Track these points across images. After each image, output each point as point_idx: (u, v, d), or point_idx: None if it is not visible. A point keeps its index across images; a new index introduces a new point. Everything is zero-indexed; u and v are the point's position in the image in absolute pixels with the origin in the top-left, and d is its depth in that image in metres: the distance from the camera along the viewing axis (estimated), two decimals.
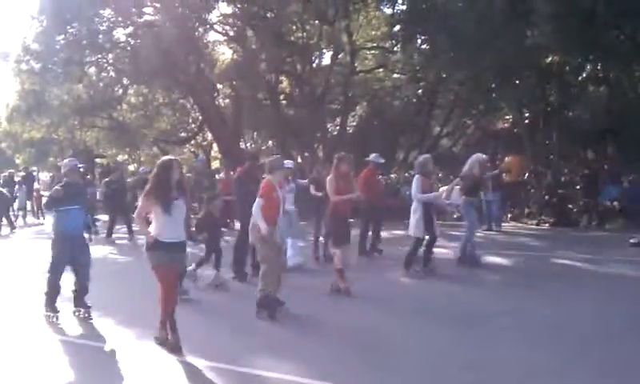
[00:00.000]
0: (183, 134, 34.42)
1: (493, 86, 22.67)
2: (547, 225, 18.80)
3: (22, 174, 31.77)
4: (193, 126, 34.03)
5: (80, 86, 28.36)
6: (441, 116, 28.36)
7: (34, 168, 36.04)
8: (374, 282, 11.00)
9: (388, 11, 27.47)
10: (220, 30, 28.61)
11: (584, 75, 22.43)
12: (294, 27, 26.96)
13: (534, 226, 18.99)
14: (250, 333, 8.18)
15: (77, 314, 9.26)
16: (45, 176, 41.66)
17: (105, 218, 20.65)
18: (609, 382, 6.13)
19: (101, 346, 7.86)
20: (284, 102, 30.02)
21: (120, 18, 26.18)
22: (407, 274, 11.57)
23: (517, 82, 21.78)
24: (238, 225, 12.61)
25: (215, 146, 33.15)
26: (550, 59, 21.11)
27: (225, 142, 28.70)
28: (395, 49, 27.73)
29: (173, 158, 8.12)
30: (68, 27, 24.85)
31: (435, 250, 11.99)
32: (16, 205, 27.39)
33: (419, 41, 24.79)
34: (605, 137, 19.65)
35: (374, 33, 28.99)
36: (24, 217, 26.89)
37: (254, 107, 29.15)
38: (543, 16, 17.29)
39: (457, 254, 12.67)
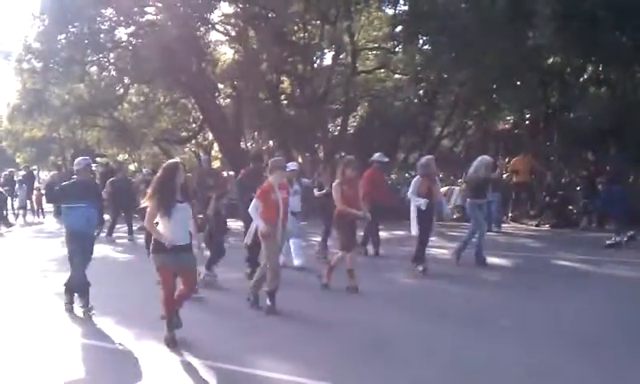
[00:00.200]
0: (184, 134, 34.41)
1: (494, 86, 22.65)
2: (547, 226, 18.80)
3: (23, 172, 31.82)
4: (194, 125, 34.03)
5: (81, 86, 28.38)
6: (442, 117, 28.34)
7: (35, 167, 36.05)
8: (374, 282, 10.98)
9: (389, 12, 27.53)
10: (221, 29, 28.66)
11: (585, 77, 22.38)
12: (296, 27, 26.98)
13: (533, 227, 19.00)
14: (250, 332, 8.18)
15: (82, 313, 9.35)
16: (45, 175, 41.69)
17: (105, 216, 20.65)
18: (608, 383, 6.13)
19: (101, 344, 7.88)
20: (285, 102, 30.02)
21: (121, 18, 26.20)
22: (410, 275, 11.63)
23: (518, 83, 21.75)
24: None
25: (216, 146, 33.15)
26: (551, 60, 21.09)
27: (226, 142, 28.72)
28: (396, 49, 27.76)
29: (178, 161, 8.21)
30: (69, 26, 24.86)
31: (434, 250, 12.03)
32: (16, 204, 27.47)
33: (420, 41, 24.78)
34: (606, 138, 19.62)
35: (375, 33, 29.02)
36: (24, 216, 26.93)
37: (255, 107, 29.13)
38: (544, 17, 17.27)
39: (453, 255, 12.74)
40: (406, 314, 9.04)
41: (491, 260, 12.84)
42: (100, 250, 16.18)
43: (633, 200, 17.33)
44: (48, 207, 29.43)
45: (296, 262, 12.56)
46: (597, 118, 20.25)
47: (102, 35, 26.07)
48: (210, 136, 33.11)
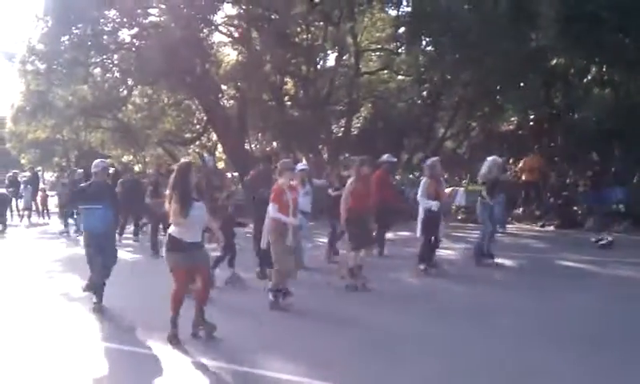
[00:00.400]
0: (188, 135, 34.39)
1: (497, 88, 22.66)
2: (552, 227, 18.80)
3: (27, 174, 31.85)
4: (197, 126, 34.01)
5: (85, 87, 28.40)
6: (445, 118, 28.31)
7: (39, 168, 36.10)
8: (379, 282, 10.98)
9: (393, 13, 27.58)
10: (225, 31, 28.65)
11: (589, 78, 22.38)
12: (299, 29, 26.97)
13: (538, 228, 18.99)
14: (257, 332, 8.23)
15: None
16: (50, 176, 41.74)
17: None
18: (610, 383, 6.14)
19: (112, 346, 7.91)
20: (289, 103, 30.01)
21: (125, 19, 26.21)
22: (413, 274, 11.69)
23: (521, 84, 21.77)
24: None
25: (220, 147, 33.16)
26: (554, 62, 21.09)
27: (229, 143, 28.72)
28: (400, 50, 27.77)
29: (190, 161, 8.40)
30: (73, 28, 24.91)
31: (440, 251, 12.07)
32: (21, 205, 27.53)
33: (424, 42, 24.83)
34: (610, 139, 19.63)
35: (378, 34, 29.00)
36: (29, 217, 26.98)
37: (259, 108, 29.14)
38: (548, 19, 17.31)
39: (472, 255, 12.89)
40: (410, 313, 9.09)
41: (496, 260, 12.88)
42: None
43: (638, 199, 17.40)
44: (53, 208, 29.48)
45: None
46: (600, 119, 20.25)
47: (105, 37, 26.11)
48: (214, 137, 33.09)
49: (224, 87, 29.84)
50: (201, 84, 26.84)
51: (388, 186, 13.89)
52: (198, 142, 35.07)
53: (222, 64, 29.60)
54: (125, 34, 27.17)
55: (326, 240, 13.90)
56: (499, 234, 16.42)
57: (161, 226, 15.49)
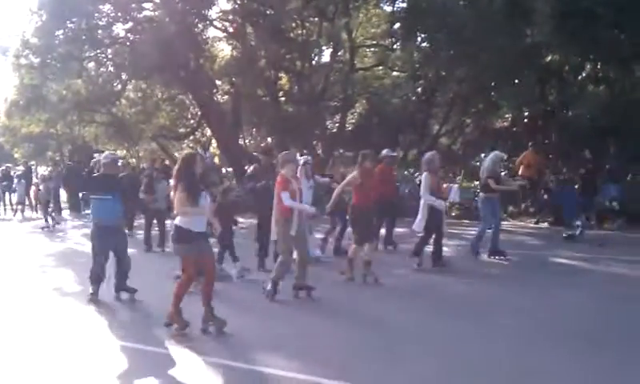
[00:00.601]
0: (182, 130, 34.33)
1: (492, 84, 22.66)
2: (546, 223, 18.81)
3: (21, 168, 31.75)
4: (192, 121, 33.96)
5: (79, 81, 28.31)
6: (440, 114, 28.32)
7: (33, 162, 35.97)
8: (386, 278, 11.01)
9: (388, 9, 27.55)
10: (219, 26, 28.61)
11: (584, 74, 22.40)
12: (294, 24, 26.92)
13: (532, 225, 19.00)
14: (265, 328, 8.18)
15: (120, 297, 9.86)
16: (43, 170, 41.58)
17: None
18: (606, 381, 6.14)
19: (110, 341, 7.89)
20: (283, 98, 29.98)
21: (119, 14, 26.16)
22: (413, 269, 11.75)
23: (516, 80, 21.77)
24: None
25: (214, 142, 33.11)
26: (549, 58, 21.10)
27: (224, 139, 28.69)
28: (395, 46, 27.74)
29: (195, 152, 8.47)
30: (67, 22, 24.84)
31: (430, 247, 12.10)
32: (14, 199, 27.46)
33: (419, 39, 24.80)
34: (604, 137, 19.64)
35: (373, 30, 28.98)
36: (22, 211, 26.90)
37: (253, 104, 29.11)
38: (543, 15, 17.30)
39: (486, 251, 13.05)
40: (412, 309, 9.13)
41: (487, 258, 12.93)
42: None
43: (633, 197, 17.41)
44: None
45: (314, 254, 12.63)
46: (595, 117, 20.25)
47: (99, 31, 26.04)
48: (208, 132, 33.05)
49: (218, 82, 29.83)
50: (195, 79, 26.79)
51: (389, 181, 13.91)
52: (192, 137, 35.02)
53: (217, 59, 29.58)
54: (119, 29, 27.14)
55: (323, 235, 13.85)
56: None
57: (155, 221, 15.52)
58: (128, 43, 26.77)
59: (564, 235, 15.59)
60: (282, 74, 29.54)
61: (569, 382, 6.12)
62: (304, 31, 27.26)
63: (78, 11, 24.43)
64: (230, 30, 28.58)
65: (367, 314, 8.87)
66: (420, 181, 14.67)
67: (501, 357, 6.78)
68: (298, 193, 9.38)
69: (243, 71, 26.66)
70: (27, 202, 27.80)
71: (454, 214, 20.86)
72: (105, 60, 28.53)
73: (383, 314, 8.82)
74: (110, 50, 27.94)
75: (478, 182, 20.06)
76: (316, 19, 27.13)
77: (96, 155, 33.53)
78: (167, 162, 29.84)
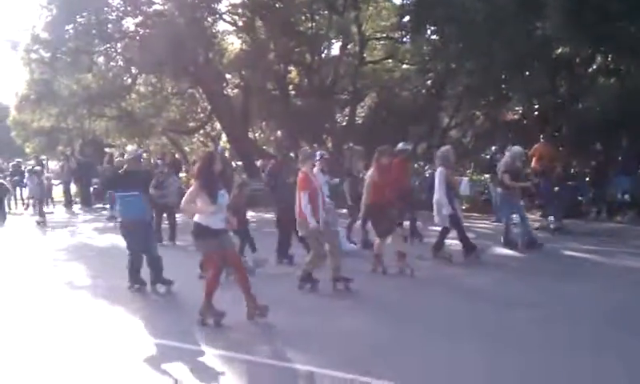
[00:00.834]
0: (192, 124, 34.36)
1: (502, 76, 22.55)
2: None
3: (32, 162, 31.89)
4: (202, 115, 33.98)
5: (89, 76, 28.36)
6: (450, 107, 28.25)
7: (44, 157, 36.09)
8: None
9: (397, 1, 27.55)
10: (229, 19, 28.62)
11: (594, 67, 22.27)
12: (303, 17, 26.93)
13: (541, 218, 18.91)
14: (292, 324, 8.15)
15: (158, 289, 10.08)
16: (54, 165, 41.73)
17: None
18: (618, 375, 6.12)
19: (121, 336, 7.94)
20: (293, 92, 29.98)
21: (129, 8, 26.22)
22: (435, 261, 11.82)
23: (527, 73, 21.66)
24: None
25: (224, 136, 33.14)
26: (560, 51, 20.97)
27: (234, 132, 28.73)
28: (404, 39, 27.67)
29: (214, 151, 8.66)
30: (77, 16, 24.93)
31: (448, 240, 12.08)
32: (26, 193, 27.57)
33: (428, 31, 24.70)
34: (615, 129, 19.53)
35: (383, 23, 28.92)
36: (34, 205, 27.01)
37: (263, 97, 29.11)
38: (554, 8, 17.20)
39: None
40: (438, 299, 9.28)
41: (500, 251, 12.91)
42: (111, 239, 16.32)
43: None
44: (58, 197, 29.53)
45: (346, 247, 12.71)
46: (605, 109, 20.13)
47: (109, 25, 26.12)
48: (218, 126, 33.07)
49: (228, 76, 29.84)
50: (205, 73, 26.82)
51: (406, 175, 13.92)
52: (202, 131, 35.07)
53: (226, 53, 29.58)
54: (129, 23, 27.26)
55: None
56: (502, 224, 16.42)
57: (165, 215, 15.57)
58: (138, 37, 26.80)
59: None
60: (291, 68, 29.54)
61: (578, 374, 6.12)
62: (313, 24, 27.25)
63: (88, 5, 24.54)
64: (240, 23, 28.60)
65: (392, 304, 9.03)
66: (429, 174, 14.70)
67: (506, 347, 6.78)
68: (318, 189, 9.51)
69: (253, 65, 26.66)
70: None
71: (463, 208, 20.79)
72: (115, 54, 28.58)
73: (410, 305, 8.99)
74: (119, 44, 28.00)
75: (488, 176, 20.06)
76: (325, 12, 27.11)
77: (107, 150, 33.79)
78: (177, 156, 29.92)
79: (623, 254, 12.59)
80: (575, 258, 12.56)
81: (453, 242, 12.24)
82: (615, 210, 17.61)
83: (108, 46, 27.59)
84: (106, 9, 25.64)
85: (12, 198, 28.30)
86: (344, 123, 29.85)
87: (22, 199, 28.03)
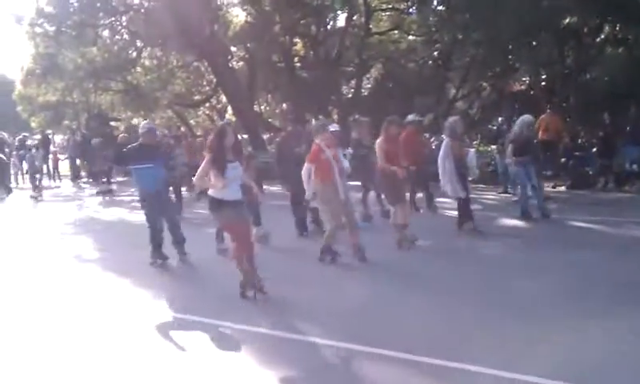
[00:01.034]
0: (197, 97, 34.32)
1: (509, 47, 22.41)
2: (563, 187, 18.69)
3: (38, 137, 31.96)
4: (207, 88, 33.92)
5: (94, 49, 28.32)
6: (456, 78, 28.12)
7: (50, 131, 36.13)
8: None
9: None
10: None
11: (602, 37, 22.11)
12: None
13: (549, 189, 18.86)
14: (319, 299, 8.06)
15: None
16: (60, 139, 41.80)
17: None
18: (624, 344, 6.12)
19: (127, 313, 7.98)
20: (298, 64, 29.88)
21: None
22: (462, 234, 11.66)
23: (534, 43, 21.51)
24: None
25: (230, 109, 33.10)
26: (567, 20, 20.81)
27: (239, 105, 28.66)
28: (410, 10, 27.49)
29: (227, 124, 8.66)
30: None
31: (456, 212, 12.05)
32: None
33: (435, 2, 24.54)
34: (622, 99, 19.42)
35: None
36: (40, 180, 27.10)
37: (268, 70, 29.05)
38: None
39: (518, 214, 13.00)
40: (456, 272, 9.15)
41: (507, 222, 12.91)
42: (117, 213, 16.37)
43: None
44: (64, 171, 29.61)
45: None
46: (613, 79, 20.00)
47: None
48: (224, 99, 33.01)
49: (233, 48, 29.76)
50: (210, 45, 26.71)
51: (418, 144, 13.83)
52: (207, 104, 35.01)
53: (231, 25, 29.48)
54: None
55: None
56: (510, 195, 16.38)
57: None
58: (142, 10, 26.73)
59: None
60: (296, 40, 29.42)
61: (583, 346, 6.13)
62: None
63: None
64: None
65: (404, 274, 9.01)
66: (435, 146, 14.60)
67: (514, 318, 6.79)
68: (332, 160, 9.43)
69: (258, 37, 26.59)
70: (45, 171, 27.97)
71: (470, 179, 20.74)
72: (120, 27, 28.54)
73: (420, 274, 9.01)
74: (124, 18, 27.94)
75: (494, 147, 19.99)
76: None
77: (112, 123, 33.81)
78: (183, 129, 29.89)
79: (631, 224, 12.53)
80: (583, 229, 12.52)
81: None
82: (623, 180, 17.52)
83: (113, 19, 27.55)
84: None
85: (18, 172, 28.43)
86: (350, 95, 29.79)
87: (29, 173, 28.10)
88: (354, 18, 28.23)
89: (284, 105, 31.95)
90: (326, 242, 9.66)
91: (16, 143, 29.81)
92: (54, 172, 29.49)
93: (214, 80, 30.89)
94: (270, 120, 32.86)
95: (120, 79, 30.42)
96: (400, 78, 27.75)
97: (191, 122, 37.13)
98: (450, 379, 5.53)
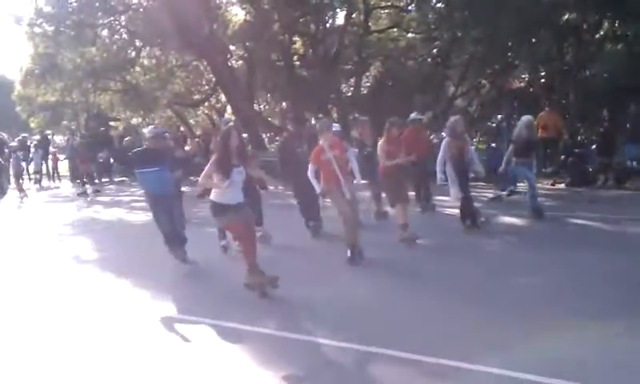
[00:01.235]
0: (197, 97, 34.28)
1: (509, 44, 22.39)
2: (563, 184, 18.67)
3: (38, 137, 31.95)
4: (206, 87, 33.87)
5: (93, 49, 28.29)
6: (455, 76, 28.08)
7: (49, 131, 36.09)
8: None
9: None
10: None
11: (601, 33, 22.09)
12: None
13: (549, 186, 18.85)
14: (335, 299, 8.01)
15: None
16: (59, 139, 41.78)
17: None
18: (622, 342, 6.11)
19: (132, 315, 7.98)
20: (297, 62, 29.85)
21: None
22: (467, 231, 11.63)
23: (533, 40, 21.49)
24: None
25: (229, 108, 33.06)
26: (566, 17, 20.79)
27: (238, 104, 28.62)
28: (409, 8, 27.46)
29: (232, 126, 8.64)
30: None
31: (456, 210, 12.04)
32: (32, 168, 27.67)
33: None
34: (622, 96, 19.40)
35: None
36: (39, 181, 27.11)
37: (268, 68, 29.01)
38: None
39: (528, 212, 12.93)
40: (464, 270, 9.12)
41: (507, 220, 12.90)
42: (117, 213, 16.36)
43: None
44: (64, 172, 29.59)
45: None
46: (613, 75, 19.99)
47: None
48: (223, 98, 32.97)
49: (232, 47, 29.70)
50: (209, 44, 26.69)
51: (420, 142, 13.79)
52: (207, 104, 34.97)
53: (230, 24, 29.41)
54: None
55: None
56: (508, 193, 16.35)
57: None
58: (141, 9, 26.71)
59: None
60: (296, 38, 29.36)
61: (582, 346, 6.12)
62: None
63: None
64: None
65: (407, 273, 9.00)
66: (435, 143, 14.59)
67: (518, 314, 6.78)
68: (337, 159, 9.45)
69: (257, 36, 26.53)
70: (44, 172, 27.97)
71: (471, 176, 20.73)
72: (118, 27, 28.50)
73: (422, 273, 8.97)
74: (123, 17, 27.90)
75: (494, 144, 19.99)
76: None
77: (112, 124, 33.75)
78: (182, 129, 29.87)
79: (631, 222, 12.52)
80: (583, 226, 12.52)
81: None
82: (623, 177, 17.51)
83: (112, 18, 27.52)
84: None
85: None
86: (349, 93, 29.74)
87: (28, 174, 28.09)
88: (353, 15, 28.17)
89: (283, 103, 31.92)
90: (347, 244, 9.60)
91: (15, 144, 29.77)
92: (53, 172, 29.48)
93: (214, 79, 30.86)
94: (269, 119, 32.82)
95: (119, 79, 30.39)
96: (399, 76, 27.72)
97: (191, 121, 37.10)
98: (452, 378, 5.53)
